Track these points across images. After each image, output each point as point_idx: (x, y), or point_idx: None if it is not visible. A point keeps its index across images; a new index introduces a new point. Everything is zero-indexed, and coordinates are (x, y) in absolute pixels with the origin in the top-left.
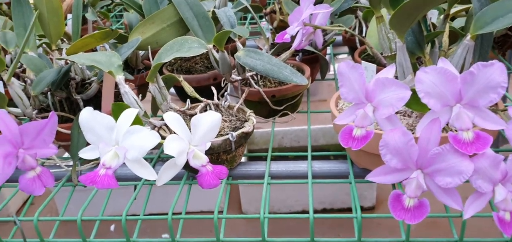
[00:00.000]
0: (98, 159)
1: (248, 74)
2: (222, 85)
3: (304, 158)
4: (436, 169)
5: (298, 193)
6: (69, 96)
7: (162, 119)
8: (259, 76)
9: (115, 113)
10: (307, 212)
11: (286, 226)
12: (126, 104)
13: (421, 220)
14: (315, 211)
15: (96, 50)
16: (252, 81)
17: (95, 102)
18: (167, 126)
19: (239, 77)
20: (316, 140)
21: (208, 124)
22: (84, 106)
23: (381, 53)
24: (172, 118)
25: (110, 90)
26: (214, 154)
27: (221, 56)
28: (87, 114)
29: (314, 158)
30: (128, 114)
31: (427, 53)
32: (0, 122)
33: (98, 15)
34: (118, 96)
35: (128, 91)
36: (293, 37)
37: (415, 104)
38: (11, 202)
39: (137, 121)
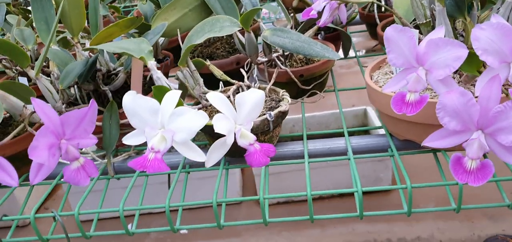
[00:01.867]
0: (131, 149)
1: (274, 55)
2: (245, 69)
3: (337, 135)
4: (498, 128)
5: (322, 178)
6: (96, 89)
7: (197, 104)
8: (284, 57)
9: (156, 97)
10: (334, 196)
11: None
12: (167, 88)
13: (485, 181)
14: (334, 196)
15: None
16: (278, 62)
17: (122, 93)
18: (205, 108)
19: (265, 59)
20: (328, 125)
21: (253, 101)
22: (112, 97)
23: (411, 22)
24: (217, 98)
25: (139, 78)
26: None
27: (248, 37)
28: (130, 99)
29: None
30: (172, 97)
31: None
32: (42, 113)
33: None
34: (144, 85)
35: (161, 77)
36: (319, 14)
37: (466, 65)
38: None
39: (178, 104)
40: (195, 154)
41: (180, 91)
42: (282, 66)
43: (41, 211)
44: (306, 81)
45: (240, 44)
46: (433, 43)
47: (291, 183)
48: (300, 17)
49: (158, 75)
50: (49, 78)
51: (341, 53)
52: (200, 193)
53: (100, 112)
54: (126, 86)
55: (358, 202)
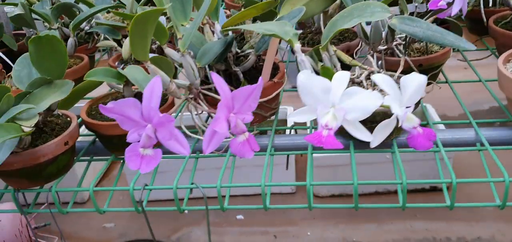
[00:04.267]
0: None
1: (393, 43)
2: (355, 57)
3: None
4: None
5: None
6: (227, 69)
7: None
8: (404, 46)
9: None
10: (391, 192)
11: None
12: (332, 69)
13: None
14: (390, 192)
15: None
16: (397, 51)
17: (250, 74)
18: None
19: (385, 47)
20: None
21: (416, 85)
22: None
23: None
24: (383, 79)
25: (271, 59)
26: None
27: (375, 24)
28: (304, 77)
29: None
30: (342, 77)
31: None
32: (219, 88)
33: None
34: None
35: (305, 60)
36: (448, 4)
37: None
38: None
39: None
40: (362, 134)
41: (349, 73)
42: (401, 55)
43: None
44: (423, 72)
45: (361, 32)
46: None
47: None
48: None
49: (302, 58)
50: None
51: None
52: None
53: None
54: (253, 68)
55: (401, 194)
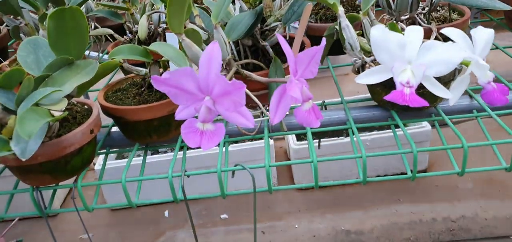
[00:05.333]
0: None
1: (415, 13)
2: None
3: None
4: None
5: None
6: (254, 44)
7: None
8: (426, 15)
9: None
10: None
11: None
12: (397, 26)
13: None
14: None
15: None
16: (418, 19)
17: (277, 49)
18: None
19: (407, 16)
20: None
21: (486, 38)
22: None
23: None
24: (458, 34)
25: (303, 29)
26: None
27: None
28: (380, 33)
29: None
30: (417, 30)
31: None
32: (285, 50)
33: None
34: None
35: (348, 25)
36: None
37: None
38: None
39: None
40: (440, 91)
41: (422, 28)
42: (424, 24)
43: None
44: (444, 40)
45: (385, 1)
46: None
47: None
48: None
49: (346, 23)
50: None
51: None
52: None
53: (259, 68)
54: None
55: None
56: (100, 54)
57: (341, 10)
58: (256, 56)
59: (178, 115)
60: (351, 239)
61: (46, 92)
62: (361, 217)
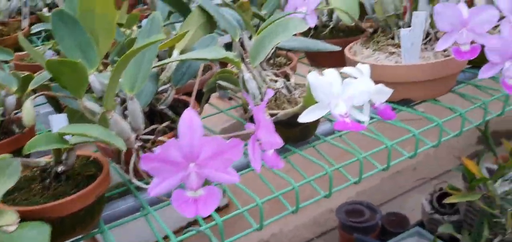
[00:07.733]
0: None
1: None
2: None
3: None
4: None
5: None
6: (151, 108)
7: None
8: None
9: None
10: None
11: None
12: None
13: None
14: None
15: None
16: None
17: (172, 109)
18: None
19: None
20: None
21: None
22: None
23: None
24: (352, 70)
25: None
26: None
27: None
28: (314, 77)
29: None
30: (332, 72)
31: None
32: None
33: None
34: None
35: (251, 77)
36: None
37: None
38: None
39: None
40: (362, 116)
41: (333, 69)
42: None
43: None
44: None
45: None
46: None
47: None
48: None
49: (248, 76)
50: None
51: None
52: None
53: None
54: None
55: None
56: None
57: (243, 66)
58: (152, 121)
59: (154, 191)
60: None
61: None
62: None
